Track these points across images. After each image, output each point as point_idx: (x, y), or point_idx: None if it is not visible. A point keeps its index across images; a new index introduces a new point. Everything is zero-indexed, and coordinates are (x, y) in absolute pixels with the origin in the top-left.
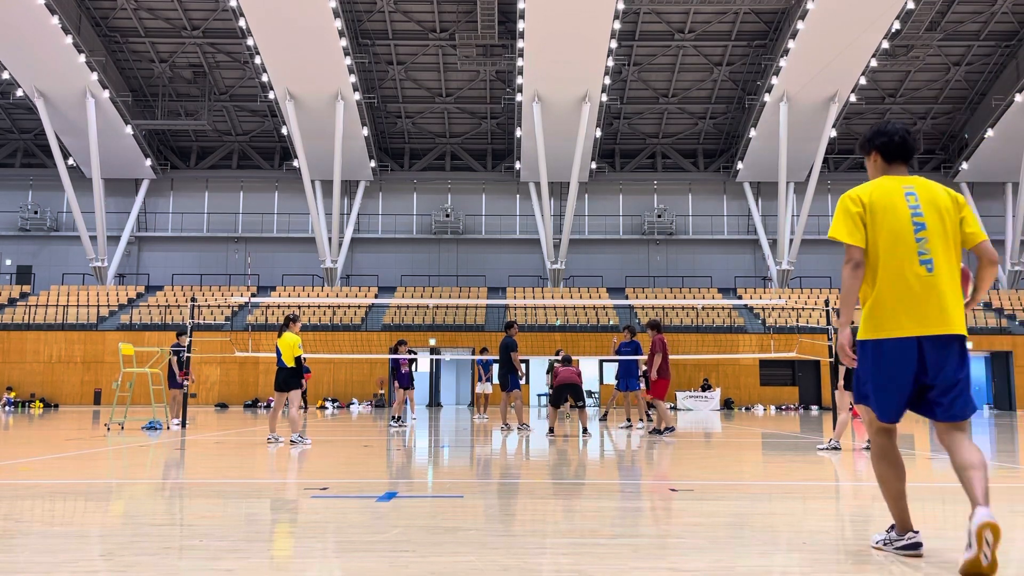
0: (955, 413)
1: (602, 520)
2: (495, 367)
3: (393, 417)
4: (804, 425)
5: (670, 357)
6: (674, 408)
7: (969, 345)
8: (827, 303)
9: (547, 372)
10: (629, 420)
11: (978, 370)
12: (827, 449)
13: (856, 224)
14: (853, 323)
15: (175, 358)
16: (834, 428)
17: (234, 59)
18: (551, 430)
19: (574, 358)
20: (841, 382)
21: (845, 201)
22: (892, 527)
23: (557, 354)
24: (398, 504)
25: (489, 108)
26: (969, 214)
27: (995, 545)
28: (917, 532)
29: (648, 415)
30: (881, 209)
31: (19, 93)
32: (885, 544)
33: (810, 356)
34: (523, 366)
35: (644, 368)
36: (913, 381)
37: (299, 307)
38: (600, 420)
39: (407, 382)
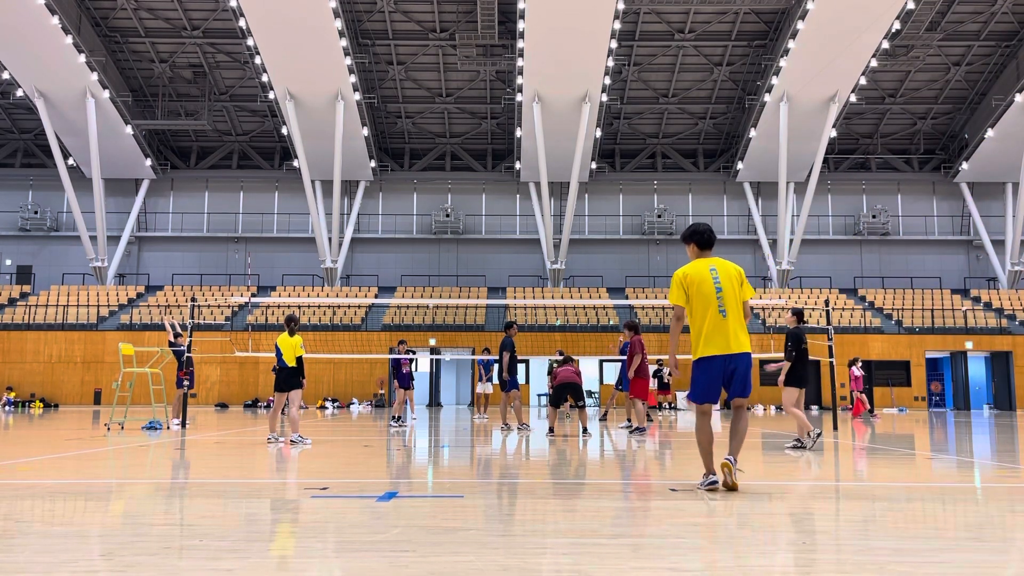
0: (742, 393)
1: (602, 520)
2: (496, 367)
3: (393, 417)
4: None
5: (649, 357)
6: (673, 408)
7: (969, 344)
8: (827, 303)
9: (547, 374)
10: (629, 420)
11: (978, 370)
12: (804, 447)
13: (681, 292)
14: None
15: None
16: (838, 426)
17: (234, 59)
18: (551, 430)
19: (574, 358)
20: (782, 377)
21: (676, 276)
22: (705, 475)
23: (560, 355)
24: (398, 504)
25: (489, 108)
26: (745, 281)
27: (731, 473)
28: (715, 474)
29: (648, 416)
30: (697, 282)
31: (19, 93)
32: (701, 487)
33: (810, 356)
34: (520, 367)
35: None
36: (722, 378)
37: (299, 307)
38: (600, 420)
39: (406, 382)
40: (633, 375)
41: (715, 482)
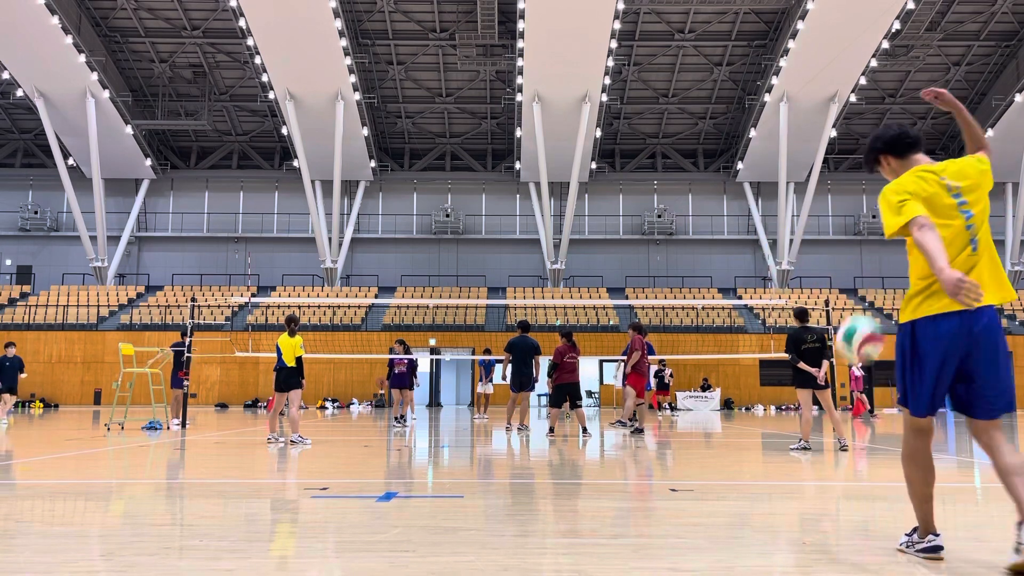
0: (1002, 404)
1: (602, 520)
2: (497, 367)
3: (395, 417)
4: None
5: (663, 358)
6: (673, 408)
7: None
8: (827, 303)
9: (547, 375)
10: (630, 420)
11: None
12: (797, 449)
13: (913, 202)
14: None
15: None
16: (837, 427)
17: (234, 59)
18: (551, 430)
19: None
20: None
21: (887, 195)
22: (915, 529)
23: (564, 336)
24: (398, 504)
25: (489, 108)
26: (987, 165)
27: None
28: (938, 535)
29: (634, 415)
30: (924, 197)
31: (19, 93)
32: (907, 547)
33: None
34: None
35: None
36: (958, 358)
37: (299, 307)
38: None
39: (400, 381)
40: (631, 371)
41: (937, 547)
